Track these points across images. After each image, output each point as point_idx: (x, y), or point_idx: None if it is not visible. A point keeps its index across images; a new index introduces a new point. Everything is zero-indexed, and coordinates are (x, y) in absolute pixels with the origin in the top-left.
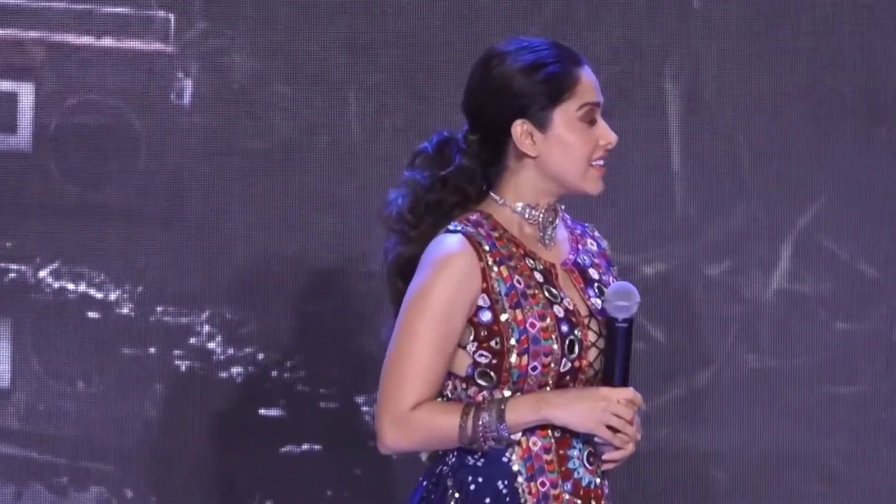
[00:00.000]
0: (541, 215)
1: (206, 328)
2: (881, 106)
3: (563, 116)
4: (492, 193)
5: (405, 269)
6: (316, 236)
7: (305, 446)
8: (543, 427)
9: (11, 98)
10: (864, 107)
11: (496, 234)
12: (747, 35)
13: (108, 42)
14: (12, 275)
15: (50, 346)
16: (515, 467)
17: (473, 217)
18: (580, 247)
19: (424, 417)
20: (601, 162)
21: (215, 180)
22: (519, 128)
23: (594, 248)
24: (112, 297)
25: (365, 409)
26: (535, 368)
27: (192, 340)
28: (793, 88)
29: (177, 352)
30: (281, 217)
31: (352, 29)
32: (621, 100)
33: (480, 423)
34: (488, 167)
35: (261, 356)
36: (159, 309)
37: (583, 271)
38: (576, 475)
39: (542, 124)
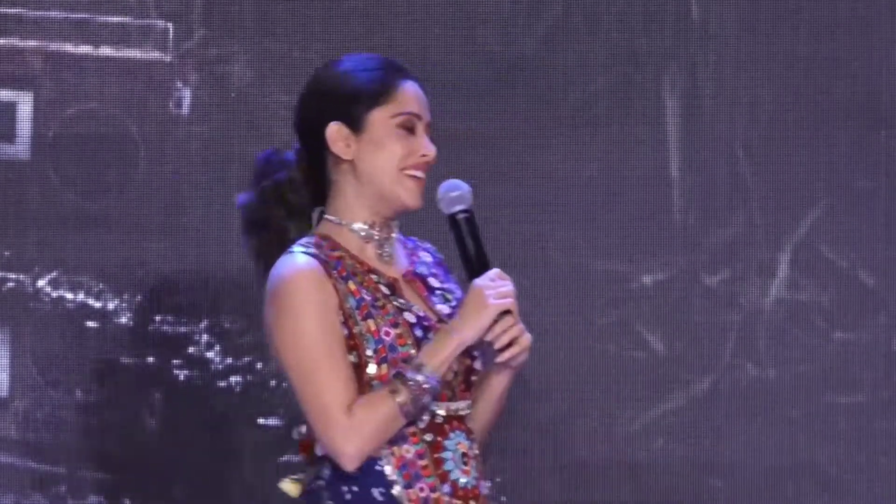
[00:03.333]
0: (377, 233)
1: (205, 337)
2: (880, 113)
3: (379, 120)
4: (327, 216)
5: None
6: None
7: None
8: (413, 434)
9: (10, 107)
10: (862, 114)
11: (337, 254)
12: (745, 42)
13: (106, 51)
14: (11, 284)
15: (49, 356)
16: (391, 477)
17: (311, 240)
18: (415, 258)
19: (365, 413)
20: (418, 173)
21: (214, 189)
22: (333, 130)
23: (429, 258)
24: (111, 306)
25: None
26: None
27: (191, 349)
28: (791, 96)
29: (175, 361)
30: None
31: (350, 38)
32: (619, 108)
33: (411, 384)
34: (316, 182)
35: (259, 365)
36: (158, 318)
37: (423, 279)
38: (452, 476)
39: (357, 126)
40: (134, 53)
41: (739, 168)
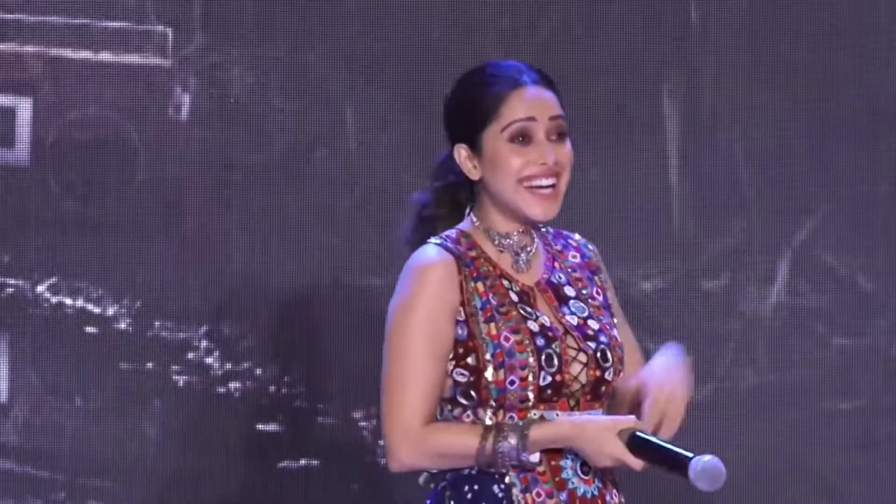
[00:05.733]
0: (513, 243)
1: (204, 343)
2: (879, 120)
3: (491, 138)
4: (472, 214)
5: None
6: (314, 251)
7: (303, 461)
8: None
9: (9, 112)
10: (862, 120)
11: (473, 254)
12: (745, 49)
13: (106, 56)
14: (10, 289)
15: (48, 361)
16: (508, 480)
17: (453, 234)
18: (556, 264)
19: (439, 436)
20: (539, 182)
21: (213, 194)
22: (459, 153)
23: (576, 259)
24: (110, 311)
25: (363, 424)
26: (512, 382)
27: (191, 355)
28: (791, 102)
29: (175, 367)
30: (279, 231)
31: (350, 44)
32: (619, 115)
33: (500, 449)
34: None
35: (259, 371)
36: (157, 324)
37: (556, 290)
38: (570, 485)
39: (475, 148)
40: (133, 59)
41: (739, 174)
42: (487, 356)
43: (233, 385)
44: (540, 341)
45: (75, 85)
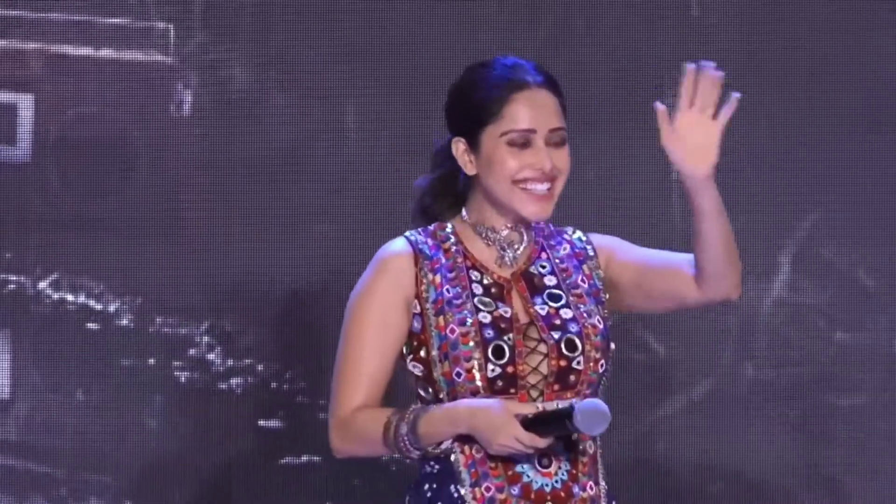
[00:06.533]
0: (501, 238)
1: (206, 339)
2: (881, 115)
3: (490, 138)
4: (463, 210)
5: None
6: (315, 247)
7: (305, 457)
8: None
9: (11, 110)
10: (863, 116)
11: (447, 245)
12: (745, 45)
13: (107, 53)
14: (12, 286)
15: (49, 358)
16: (462, 475)
17: (431, 227)
18: (543, 255)
19: (360, 422)
20: (534, 186)
21: (214, 191)
22: (457, 147)
23: (567, 251)
24: (111, 308)
25: None
26: (458, 374)
27: (192, 351)
28: (791, 98)
29: (176, 363)
30: (280, 227)
31: (350, 40)
32: (619, 110)
33: (399, 432)
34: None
35: (260, 367)
36: (159, 320)
37: (531, 279)
38: (525, 478)
39: (473, 144)
40: (134, 56)
41: (739, 170)
42: (434, 350)
43: (234, 381)
44: (488, 333)
45: (76, 82)
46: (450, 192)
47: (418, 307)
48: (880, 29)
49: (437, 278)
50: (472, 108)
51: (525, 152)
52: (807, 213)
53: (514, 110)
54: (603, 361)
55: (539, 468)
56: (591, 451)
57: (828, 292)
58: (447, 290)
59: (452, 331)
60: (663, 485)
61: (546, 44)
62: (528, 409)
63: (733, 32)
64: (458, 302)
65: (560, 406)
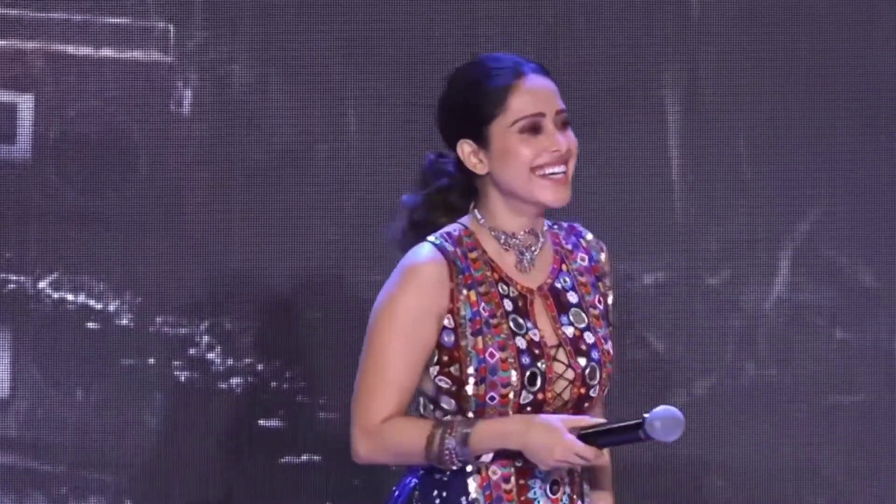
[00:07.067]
0: (519, 241)
1: (206, 338)
2: (882, 113)
3: (499, 131)
4: (476, 210)
5: None
6: (315, 246)
7: (305, 457)
8: (506, 456)
9: (11, 108)
10: (864, 112)
11: (473, 255)
12: (746, 39)
13: (107, 52)
14: (12, 285)
15: (49, 356)
16: (473, 495)
17: (455, 232)
18: (564, 266)
19: (395, 432)
20: (552, 170)
21: (215, 190)
22: (462, 147)
23: (584, 263)
24: (111, 307)
25: None
26: (492, 398)
27: (192, 351)
28: (792, 94)
29: (176, 362)
30: (280, 227)
31: (352, 39)
32: (619, 107)
33: (446, 446)
34: (472, 179)
35: (260, 367)
36: (159, 319)
37: (558, 296)
38: None
39: (482, 142)
40: (135, 54)
41: (740, 167)
42: (470, 370)
43: (234, 380)
44: (525, 360)
45: (76, 81)
46: (446, 206)
47: (451, 322)
48: (881, 26)
49: (473, 295)
50: (474, 107)
51: (538, 138)
52: (808, 211)
53: (519, 98)
54: (607, 387)
55: (549, 495)
56: (578, 471)
57: (828, 292)
58: (483, 309)
59: (492, 355)
60: (663, 483)
61: (547, 38)
62: (584, 423)
63: (733, 31)
64: (494, 322)
65: (626, 423)
